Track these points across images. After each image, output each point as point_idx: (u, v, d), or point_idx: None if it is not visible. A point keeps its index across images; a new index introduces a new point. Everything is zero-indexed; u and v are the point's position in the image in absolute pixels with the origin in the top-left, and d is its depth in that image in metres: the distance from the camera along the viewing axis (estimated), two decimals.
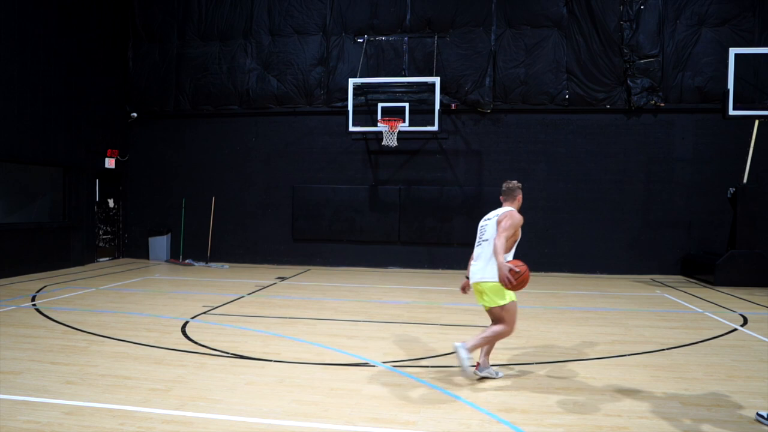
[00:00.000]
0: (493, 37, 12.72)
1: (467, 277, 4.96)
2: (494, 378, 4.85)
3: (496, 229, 4.68)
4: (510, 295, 4.69)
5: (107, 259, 13.84)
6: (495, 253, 4.51)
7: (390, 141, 12.11)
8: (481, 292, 4.77)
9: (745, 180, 10.87)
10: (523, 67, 12.65)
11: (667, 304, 8.78)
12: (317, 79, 13.39)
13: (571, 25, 12.49)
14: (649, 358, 5.59)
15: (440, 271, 12.77)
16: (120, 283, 10.35)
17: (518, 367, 5.24)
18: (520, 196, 5.04)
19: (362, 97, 12.87)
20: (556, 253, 12.56)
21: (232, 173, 13.80)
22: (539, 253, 12.52)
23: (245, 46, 13.62)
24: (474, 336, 4.99)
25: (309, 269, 12.97)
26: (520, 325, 7.08)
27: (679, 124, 12.30)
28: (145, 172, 14.21)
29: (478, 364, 4.86)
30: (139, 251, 14.19)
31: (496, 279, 4.53)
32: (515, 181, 5.10)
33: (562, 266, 12.55)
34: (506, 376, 4.94)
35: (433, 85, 12.22)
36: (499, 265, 4.40)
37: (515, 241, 4.80)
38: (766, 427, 3.83)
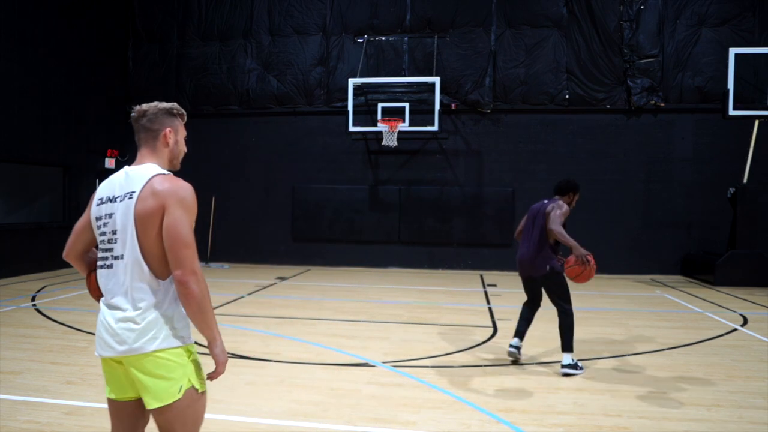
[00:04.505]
0: (493, 37, 12.72)
1: None
2: None
3: None
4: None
5: None
6: None
7: (390, 141, 12.10)
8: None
9: (745, 180, 10.86)
10: (523, 67, 12.65)
11: (667, 304, 8.77)
12: (317, 79, 13.38)
13: (571, 25, 12.49)
14: (649, 358, 5.59)
15: (440, 271, 12.76)
16: None
17: (518, 367, 5.24)
18: None
19: (362, 97, 12.86)
20: None
21: (232, 173, 13.79)
22: None
23: (245, 46, 13.61)
24: None
25: (309, 269, 12.96)
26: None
27: (679, 124, 12.29)
28: None
29: None
30: None
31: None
32: None
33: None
34: (506, 376, 4.94)
35: (433, 85, 12.21)
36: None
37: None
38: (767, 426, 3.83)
